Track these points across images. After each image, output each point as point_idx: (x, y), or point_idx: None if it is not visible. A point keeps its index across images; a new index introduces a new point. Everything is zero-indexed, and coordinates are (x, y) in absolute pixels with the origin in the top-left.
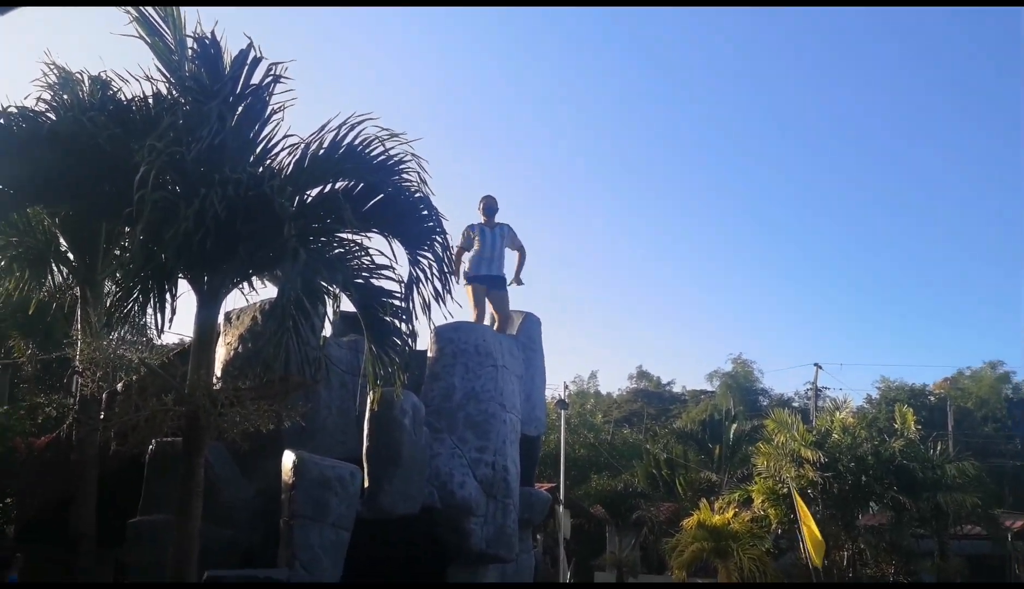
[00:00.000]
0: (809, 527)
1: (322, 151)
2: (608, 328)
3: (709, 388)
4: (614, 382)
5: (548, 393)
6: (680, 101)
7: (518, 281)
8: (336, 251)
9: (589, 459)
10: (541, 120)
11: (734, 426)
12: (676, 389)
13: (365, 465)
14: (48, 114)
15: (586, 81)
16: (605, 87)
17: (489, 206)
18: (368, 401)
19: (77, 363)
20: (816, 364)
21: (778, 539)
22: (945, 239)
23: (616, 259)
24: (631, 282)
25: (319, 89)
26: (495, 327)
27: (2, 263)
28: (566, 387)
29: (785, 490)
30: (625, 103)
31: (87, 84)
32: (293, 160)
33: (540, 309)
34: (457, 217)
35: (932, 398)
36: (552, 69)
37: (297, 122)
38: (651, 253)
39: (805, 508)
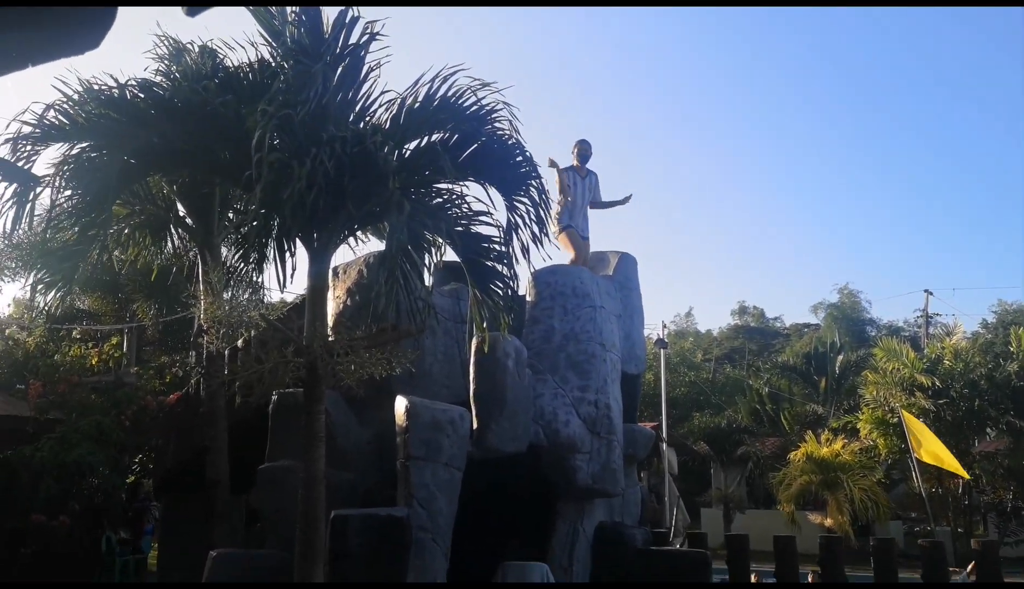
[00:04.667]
0: (932, 447)
1: (417, 104)
2: (708, 265)
3: (814, 321)
4: (715, 320)
5: (646, 333)
6: (776, 28)
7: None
8: (436, 201)
9: (690, 398)
10: (629, 52)
11: (840, 357)
12: (779, 324)
13: (472, 407)
14: (163, 85)
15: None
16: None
17: (583, 152)
18: (473, 345)
19: (201, 322)
20: (927, 290)
21: (889, 469)
22: None
23: (713, 193)
24: (729, 217)
25: (414, 44)
26: None
27: (126, 231)
28: (664, 326)
29: (895, 419)
30: (714, 31)
31: (196, 54)
32: (391, 115)
33: (636, 249)
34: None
35: None
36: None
37: (394, 78)
38: (750, 184)
39: (922, 426)
